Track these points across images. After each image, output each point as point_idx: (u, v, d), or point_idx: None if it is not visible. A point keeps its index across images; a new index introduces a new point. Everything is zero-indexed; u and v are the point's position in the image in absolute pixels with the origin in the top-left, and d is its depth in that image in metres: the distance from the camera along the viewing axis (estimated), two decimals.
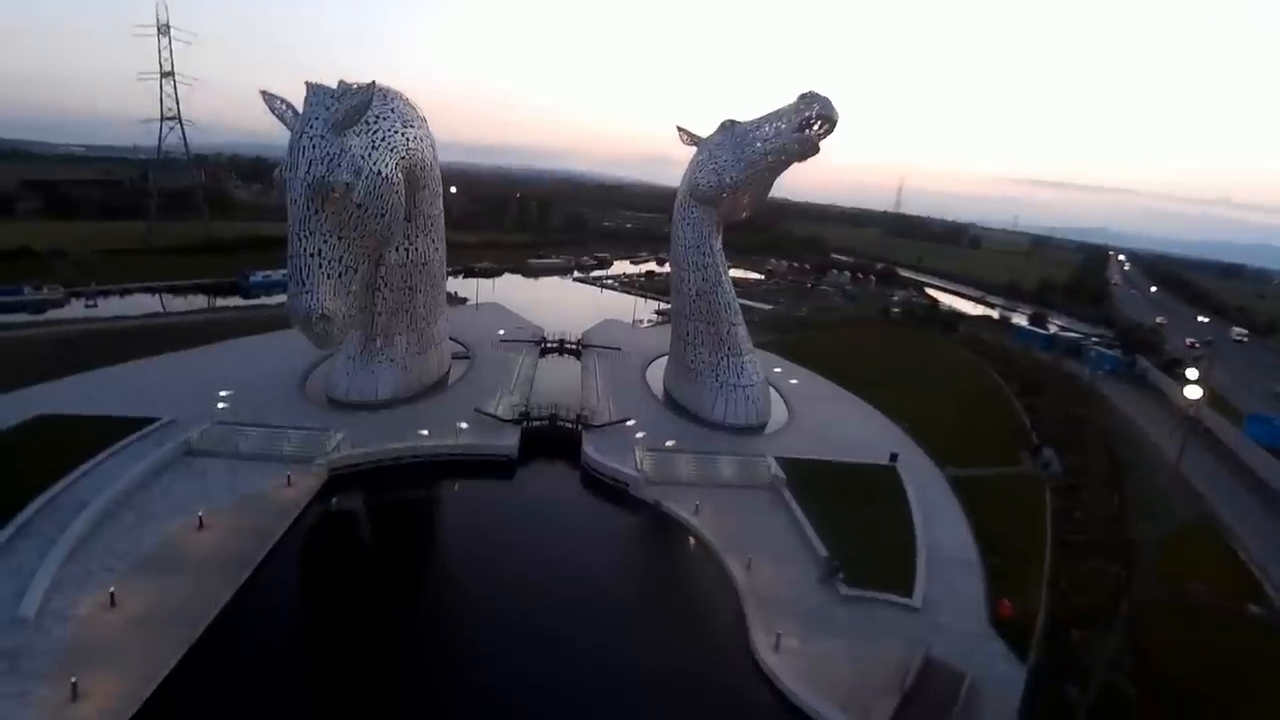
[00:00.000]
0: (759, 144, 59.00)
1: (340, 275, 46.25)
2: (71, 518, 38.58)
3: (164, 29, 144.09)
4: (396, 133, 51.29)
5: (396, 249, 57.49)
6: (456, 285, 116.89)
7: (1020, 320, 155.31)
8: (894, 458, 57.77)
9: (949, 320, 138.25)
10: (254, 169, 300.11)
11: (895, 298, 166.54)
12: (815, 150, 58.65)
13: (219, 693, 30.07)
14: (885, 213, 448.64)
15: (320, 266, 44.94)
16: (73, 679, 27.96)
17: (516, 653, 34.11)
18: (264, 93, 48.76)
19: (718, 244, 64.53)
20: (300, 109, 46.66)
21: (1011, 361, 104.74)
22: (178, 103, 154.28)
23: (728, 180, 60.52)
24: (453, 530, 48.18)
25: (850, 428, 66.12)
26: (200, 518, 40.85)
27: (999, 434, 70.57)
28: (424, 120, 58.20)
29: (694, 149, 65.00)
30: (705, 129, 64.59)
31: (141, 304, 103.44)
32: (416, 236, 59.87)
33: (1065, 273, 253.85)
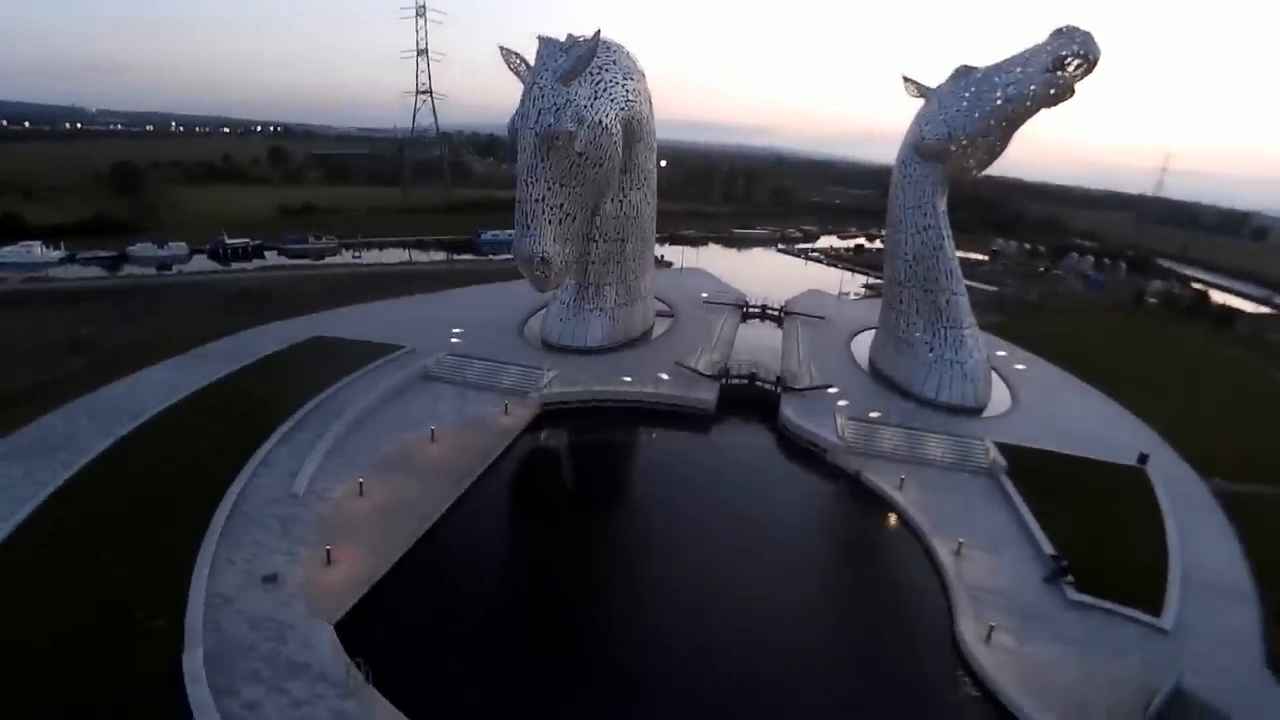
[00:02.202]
0: (999, 90, 52.77)
1: (560, 221, 49.01)
2: (334, 420, 45.57)
3: (420, 10, 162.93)
4: (617, 84, 52.58)
5: (612, 200, 59.49)
6: (663, 250, 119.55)
7: None
8: (1143, 459, 49.78)
9: (1222, 316, 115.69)
10: (489, 144, 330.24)
11: (1152, 288, 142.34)
12: (1069, 94, 51.34)
13: (442, 576, 34.06)
14: (1143, 196, 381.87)
15: (543, 212, 47.92)
16: (328, 547, 32.97)
17: (695, 602, 33.90)
18: (501, 48, 51.93)
19: (941, 205, 58.47)
20: (533, 63, 49.48)
21: None
22: (430, 78, 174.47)
23: (959, 132, 54.69)
24: (647, 473, 49.45)
25: (1087, 422, 57.78)
26: (432, 432, 46.15)
27: None
28: (643, 75, 59.19)
29: (921, 102, 59.65)
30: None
31: (395, 254, 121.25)
32: (631, 189, 61.45)
33: None
